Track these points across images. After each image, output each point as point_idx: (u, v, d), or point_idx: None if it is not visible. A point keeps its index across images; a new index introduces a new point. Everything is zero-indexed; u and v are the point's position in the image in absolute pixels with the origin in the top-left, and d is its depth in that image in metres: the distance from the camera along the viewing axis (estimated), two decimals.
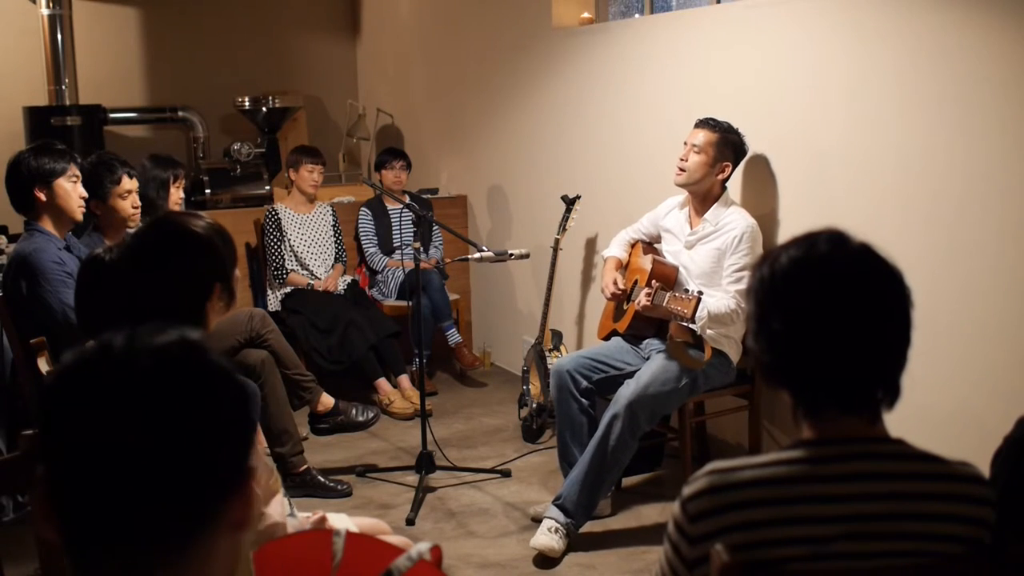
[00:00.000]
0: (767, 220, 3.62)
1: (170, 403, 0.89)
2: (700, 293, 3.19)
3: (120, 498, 0.88)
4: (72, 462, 0.89)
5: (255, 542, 1.80)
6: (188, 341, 0.95)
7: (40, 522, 0.92)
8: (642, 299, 3.37)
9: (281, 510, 1.97)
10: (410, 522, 3.61)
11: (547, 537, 3.29)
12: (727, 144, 3.51)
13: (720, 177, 3.52)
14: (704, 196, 3.56)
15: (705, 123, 3.54)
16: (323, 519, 2.14)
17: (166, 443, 0.88)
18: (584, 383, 3.55)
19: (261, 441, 3.59)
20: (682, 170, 3.53)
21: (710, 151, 3.49)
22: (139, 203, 3.72)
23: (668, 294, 3.27)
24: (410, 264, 4.51)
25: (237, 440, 0.94)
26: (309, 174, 5.15)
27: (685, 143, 3.55)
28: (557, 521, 3.33)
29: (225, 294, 1.88)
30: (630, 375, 3.46)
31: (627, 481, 3.89)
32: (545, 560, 3.29)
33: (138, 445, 0.87)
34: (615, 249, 3.90)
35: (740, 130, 3.55)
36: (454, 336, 5.21)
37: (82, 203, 3.42)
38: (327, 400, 4.23)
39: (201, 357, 0.93)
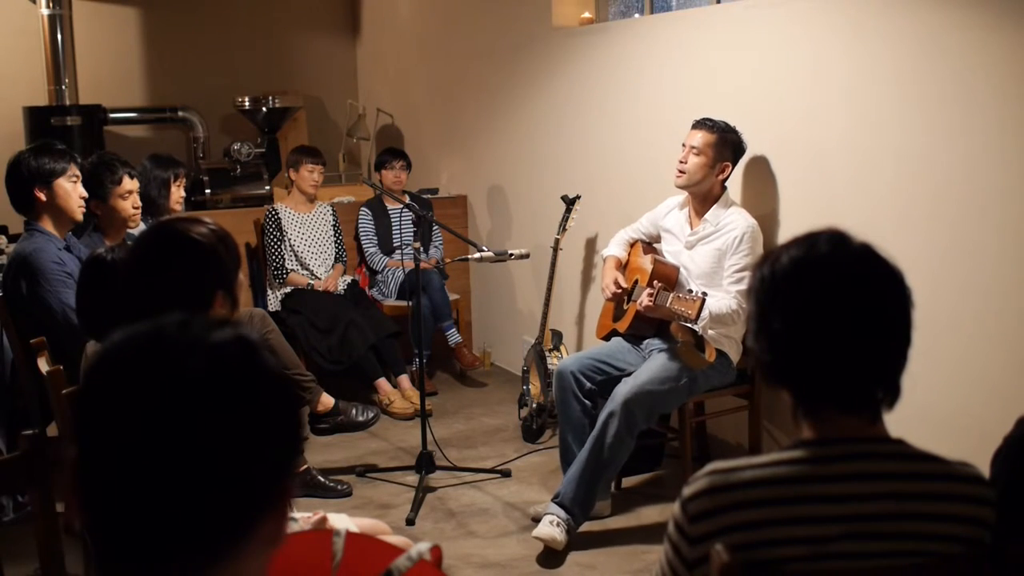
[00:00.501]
0: (767, 220, 3.62)
1: (218, 406, 0.83)
2: (704, 294, 3.19)
3: (150, 501, 0.82)
4: (104, 454, 0.83)
5: None
6: (245, 341, 0.88)
7: (69, 512, 0.86)
8: (644, 299, 3.37)
9: None
10: (410, 522, 3.61)
11: (549, 528, 3.29)
12: (725, 144, 3.51)
13: (720, 177, 3.52)
14: (704, 197, 3.56)
15: (702, 124, 3.53)
16: (323, 519, 2.14)
17: (209, 447, 0.82)
18: (587, 384, 3.55)
19: None
20: (682, 172, 3.53)
21: (709, 152, 3.49)
22: (140, 203, 3.72)
23: (672, 295, 3.26)
24: (410, 264, 4.51)
25: (283, 452, 0.88)
26: (309, 174, 5.15)
27: (683, 145, 3.55)
28: (558, 516, 3.33)
29: (228, 301, 1.86)
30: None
31: (627, 481, 3.89)
32: (546, 559, 3.29)
33: (178, 446, 0.81)
34: (615, 248, 3.90)
35: (738, 128, 3.54)
36: (454, 336, 5.21)
37: (82, 203, 3.42)
38: (327, 400, 4.23)
39: (257, 361, 0.87)
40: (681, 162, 3.53)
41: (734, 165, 3.54)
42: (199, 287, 1.82)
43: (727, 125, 3.52)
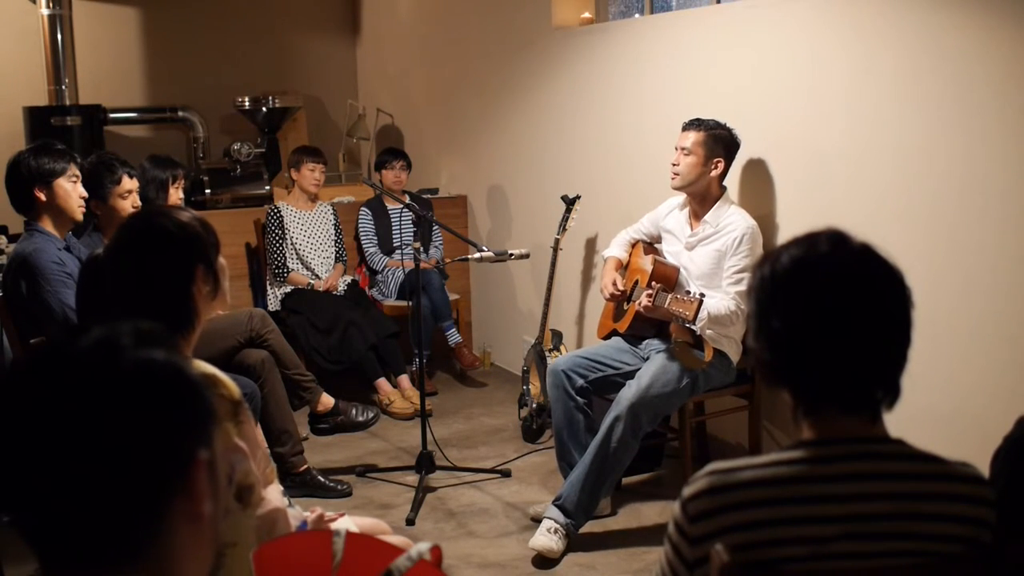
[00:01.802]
0: (767, 220, 3.62)
1: (80, 408, 0.90)
2: (702, 295, 3.19)
3: (47, 503, 0.90)
4: (5, 476, 0.91)
5: (257, 527, 1.82)
6: (107, 342, 0.94)
7: None
8: (643, 300, 3.37)
9: (279, 495, 1.98)
10: (410, 522, 3.61)
11: (546, 538, 3.30)
12: (716, 140, 3.49)
13: (715, 174, 3.51)
14: (703, 197, 3.55)
15: (691, 124, 3.53)
16: (323, 517, 2.14)
17: (84, 445, 0.89)
18: (580, 381, 3.55)
19: (261, 440, 3.59)
20: (676, 174, 3.52)
21: (699, 151, 3.48)
22: (139, 203, 3.72)
23: (670, 296, 3.27)
24: (410, 264, 4.51)
25: (172, 435, 0.93)
26: (311, 173, 5.15)
27: (676, 148, 3.55)
28: (556, 521, 3.33)
29: (209, 278, 1.86)
30: (628, 375, 3.46)
31: (627, 481, 3.89)
32: (545, 560, 3.29)
33: (58, 454, 0.89)
34: (615, 249, 3.90)
35: (731, 125, 3.53)
36: (454, 336, 5.21)
37: (82, 203, 3.42)
38: (327, 400, 4.23)
39: (117, 359, 0.93)
40: (674, 164, 3.53)
41: (728, 161, 3.53)
42: (177, 262, 1.83)
43: (716, 123, 3.52)
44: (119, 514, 0.91)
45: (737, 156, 3.70)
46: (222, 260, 1.92)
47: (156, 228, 1.84)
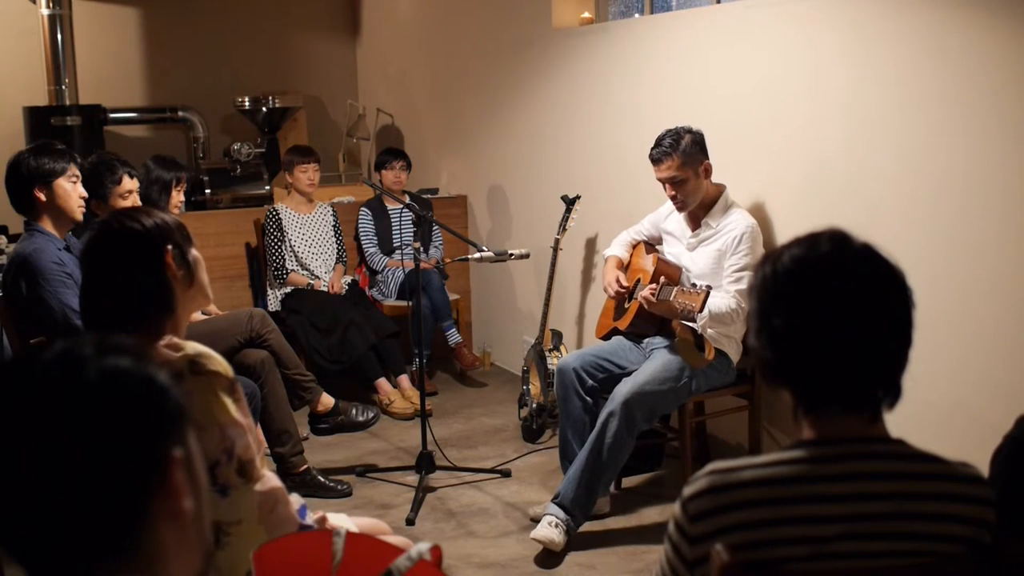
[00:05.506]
0: (767, 221, 3.62)
1: (49, 423, 0.91)
2: (708, 287, 3.18)
3: (27, 515, 0.91)
4: None
5: (260, 503, 1.84)
6: (68, 354, 0.95)
7: None
8: (645, 292, 3.37)
9: (275, 477, 2.00)
10: (410, 522, 3.61)
11: (548, 529, 3.29)
12: (690, 151, 3.43)
13: (709, 178, 3.50)
14: (702, 202, 3.54)
15: (660, 153, 3.43)
16: (323, 519, 2.15)
17: (58, 461, 0.90)
18: (589, 382, 3.55)
19: (261, 440, 3.59)
20: (680, 202, 3.49)
21: (687, 171, 3.43)
22: (140, 203, 3.72)
23: (675, 288, 3.27)
24: (410, 264, 4.51)
25: (140, 438, 0.94)
26: (303, 174, 5.15)
27: (660, 181, 3.49)
28: (557, 517, 3.33)
29: (180, 262, 1.91)
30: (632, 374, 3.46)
31: (627, 481, 3.89)
32: (546, 559, 3.29)
33: (32, 468, 0.90)
34: (616, 249, 3.90)
35: (685, 125, 3.47)
36: (454, 336, 5.22)
37: (82, 203, 3.42)
38: (327, 400, 4.22)
39: (80, 371, 0.94)
40: (672, 196, 3.50)
41: (707, 155, 3.50)
42: (147, 243, 1.88)
43: (673, 135, 3.43)
44: (100, 520, 0.92)
45: (737, 156, 3.71)
46: (196, 253, 1.98)
47: (124, 223, 1.91)
